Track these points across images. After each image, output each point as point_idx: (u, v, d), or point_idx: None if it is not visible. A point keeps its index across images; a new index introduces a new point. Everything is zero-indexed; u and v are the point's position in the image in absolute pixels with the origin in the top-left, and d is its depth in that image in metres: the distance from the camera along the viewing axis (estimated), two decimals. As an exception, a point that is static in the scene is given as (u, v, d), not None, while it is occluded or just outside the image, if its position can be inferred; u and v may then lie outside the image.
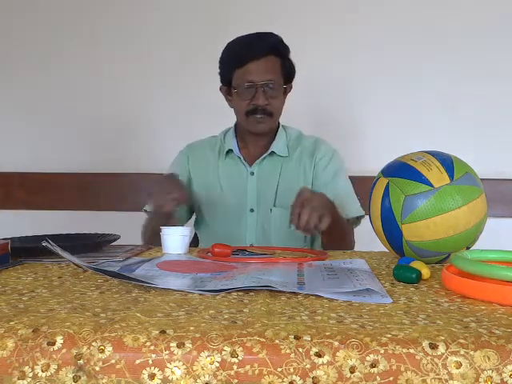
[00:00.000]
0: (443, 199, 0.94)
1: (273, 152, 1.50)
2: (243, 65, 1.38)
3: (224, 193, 1.50)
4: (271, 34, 1.42)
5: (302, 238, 1.50)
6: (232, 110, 1.49)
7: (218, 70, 1.46)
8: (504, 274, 0.71)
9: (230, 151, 1.52)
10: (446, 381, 0.51)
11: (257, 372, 0.52)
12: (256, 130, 1.45)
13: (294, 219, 1.17)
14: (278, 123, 1.53)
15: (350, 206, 1.46)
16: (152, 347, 0.54)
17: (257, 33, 1.41)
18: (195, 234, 1.65)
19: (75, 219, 2.17)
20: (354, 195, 1.50)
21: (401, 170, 1.01)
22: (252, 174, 1.50)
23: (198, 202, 1.54)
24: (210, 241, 1.46)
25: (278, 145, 1.50)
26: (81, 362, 0.53)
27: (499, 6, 2.12)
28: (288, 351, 0.53)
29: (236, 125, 1.55)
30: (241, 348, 0.53)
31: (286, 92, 1.46)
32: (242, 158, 1.51)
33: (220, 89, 1.48)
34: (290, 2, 2.16)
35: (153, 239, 1.35)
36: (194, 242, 1.61)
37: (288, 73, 1.44)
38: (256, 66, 1.37)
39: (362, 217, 1.46)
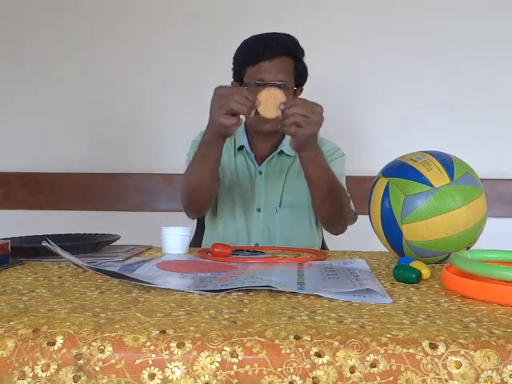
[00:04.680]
0: (443, 199, 0.94)
1: (282, 151, 1.50)
2: (256, 63, 1.37)
3: (234, 190, 1.49)
4: (287, 35, 1.41)
5: (306, 238, 1.50)
6: None
7: (231, 66, 1.46)
8: (504, 274, 0.71)
9: (241, 147, 1.52)
10: (446, 381, 0.51)
11: (257, 372, 0.52)
12: (262, 129, 1.44)
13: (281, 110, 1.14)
14: None
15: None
16: (152, 347, 0.54)
17: (273, 32, 1.40)
18: (196, 234, 1.65)
19: (75, 219, 2.17)
20: (344, 181, 1.48)
21: (401, 170, 1.01)
22: (260, 173, 1.49)
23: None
24: (216, 239, 1.47)
25: (287, 144, 1.49)
26: (81, 362, 0.53)
27: (499, 7, 2.12)
28: (288, 351, 0.53)
29: (245, 122, 1.54)
30: (241, 348, 0.53)
31: (296, 95, 1.45)
32: (252, 155, 1.50)
33: (231, 84, 1.48)
34: (290, 2, 2.16)
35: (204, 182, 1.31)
36: (196, 243, 1.60)
37: (300, 75, 1.43)
38: (268, 65, 1.36)
39: (349, 198, 1.44)
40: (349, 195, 1.43)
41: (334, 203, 1.35)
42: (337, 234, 1.49)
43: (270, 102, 1.15)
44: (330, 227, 1.49)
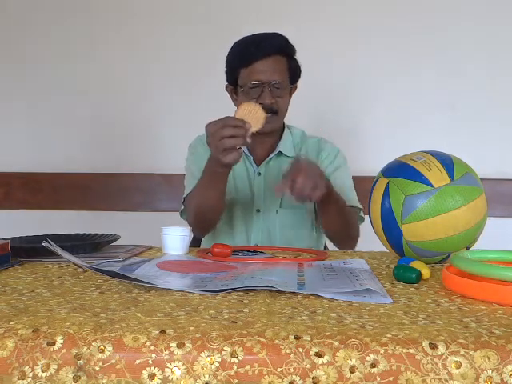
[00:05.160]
0: (443, 199, 0.94)
1: (280, 152, 1.50)
2: (250, 64, 1.37)
3: (231, 192, 1.50)
4: (278, 34, 1.41)
5: (306, 238, 1.49)
6: (235, 109, 1.49)
7: (225, 69, 1.46)
8: (504, 274, 0.71)
9: None
10: (446, 381, 0.51)
11: (257, 372, 0.52)
12: (262, 129, 1.44)
13: (288, 185, 1.12)
14: (283, 123, 1.53)
15: (349, 196, 1.44)
16: (152, 347, 0.54)
17: (263, 33, 1.41)
18: (195, 236, 1.64)
19: (75, 219, 2.17)
20: (354, 190, 1.49)
21: (401, 170, 1.01)
22: (259, 174, 1.49)
23: None
24: (215, 239, 1.47)
25: (285, 145, 1.50)
26: (81, 362, 0.53)
27: (499, 6, 2.12)
28: (288, 351, 0.53)
29: None
30: (241, 348, 0.53)
31: (291, 92, 1.45)
32: (251, 157, 1.50)
33: (226, 88, 1.48)
34: (290, 1, 2.16)
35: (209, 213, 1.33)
36: (195, 243, 1.60)
37: (294, 73, 1.44)
38: (263, 65, 1.37)
39: (361, 210, 1.45)
40: (360, 206, 1.44)
41: (342, 223, 1.35)
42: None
43: (249, 118, 1.14)
44: (339, 245, 1.48)
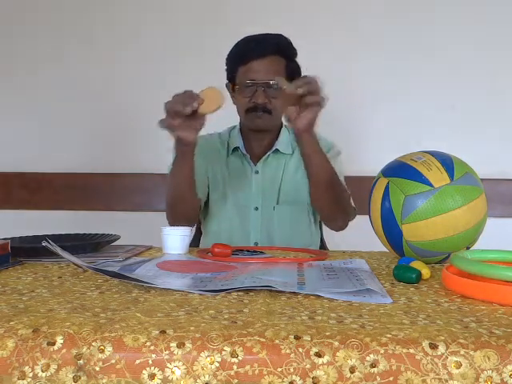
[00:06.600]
0: (443, 199, 0.94)
1: (277, 150, 1.50)
2: (246, 62, 1.38)
3: (230, 190, 1.51)
4: (279, 35, 1.42)
5: (306, 235, 1.50)
6: (235, 107, 1.49)
7: (225, 67, 1.47)
8: (504, 274, 0.71)
9: (235, 149, 1.53)
10: (446, 381, 0.51)
11: (257, 372, 0.52)
12: (254, 126, 1.45)
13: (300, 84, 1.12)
14: (281, 122, 1.54)
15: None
16: (152, 347, 0.54)
17: (265, 33, 1.41)
18: (195, 234, 1.65)
19: (75, 219, 2.17)
20: (343, 181, 1.47)
21: (401, 170, 1.01)
22: (256, 172, 1.50)
23: (209, 193, 1.52)
24: (214, 239, 1.47)
25: (282, 142, 1.51)
26: (81, 362, 0.53)
27: (499, 6, 2.12)
28: (288, 351, 0.53)
29: (240, 124, 1.56)
30: (241, 348, 0.53)
31: None
32: (248, 156, 1.51)
33: (226, 85, 1.49)
34: (290, 2, 2.16)
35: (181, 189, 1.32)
36: (195, 242, 1.60)
37: (292, 75, 1.43)
38: (259, 65, 1.37)
39: (349, 194, 1.43)
40: (348, 192, 1.44)
41: (334, 194, 1.32)
42: (338, 230, 1.47)
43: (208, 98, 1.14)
44: (331, 222, 1.46)
